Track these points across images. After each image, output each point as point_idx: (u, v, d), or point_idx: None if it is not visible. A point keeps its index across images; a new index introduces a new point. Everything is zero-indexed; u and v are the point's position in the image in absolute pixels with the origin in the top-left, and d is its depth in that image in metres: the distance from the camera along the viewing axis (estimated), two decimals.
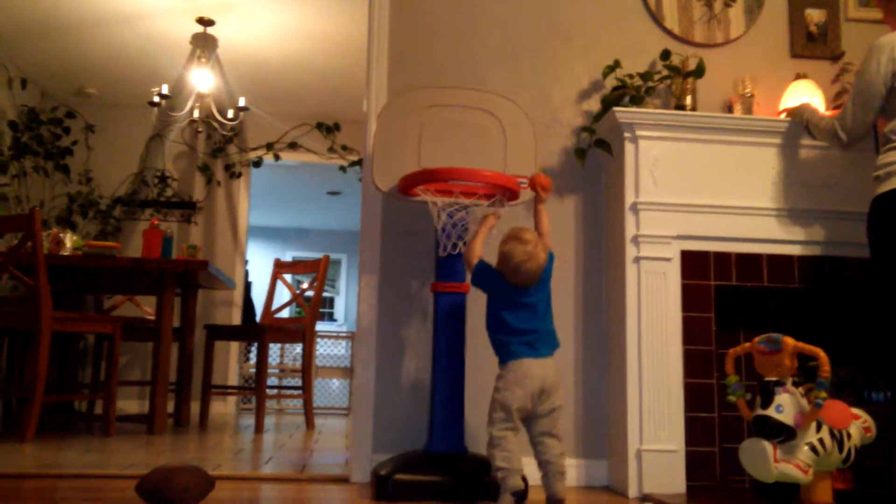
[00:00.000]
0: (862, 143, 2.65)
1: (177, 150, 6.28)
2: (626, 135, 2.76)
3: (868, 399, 2.78)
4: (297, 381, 6.40)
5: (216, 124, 5.42)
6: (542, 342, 2.31)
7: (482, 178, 2.47)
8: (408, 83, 2.92)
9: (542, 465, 2.25)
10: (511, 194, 2.56)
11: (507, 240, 2.31)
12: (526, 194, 2.62)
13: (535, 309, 2.34)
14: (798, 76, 2.96)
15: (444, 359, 2.56)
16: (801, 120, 2.74)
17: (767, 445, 2.06)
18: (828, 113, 2.70)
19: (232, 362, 6.13)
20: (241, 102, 5.21)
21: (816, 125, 2.66)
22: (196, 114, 5.22)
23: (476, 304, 2.70)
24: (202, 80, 5.12)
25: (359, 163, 6.16)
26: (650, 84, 2.87)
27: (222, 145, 6.28)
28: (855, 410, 2.23)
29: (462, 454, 2.50)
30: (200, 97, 5.18)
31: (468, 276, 2.41)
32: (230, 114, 5.35)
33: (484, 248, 2.44)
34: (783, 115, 2.82)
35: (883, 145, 2.45)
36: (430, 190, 2.53)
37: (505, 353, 2.30)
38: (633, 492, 2.59)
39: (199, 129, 5.44)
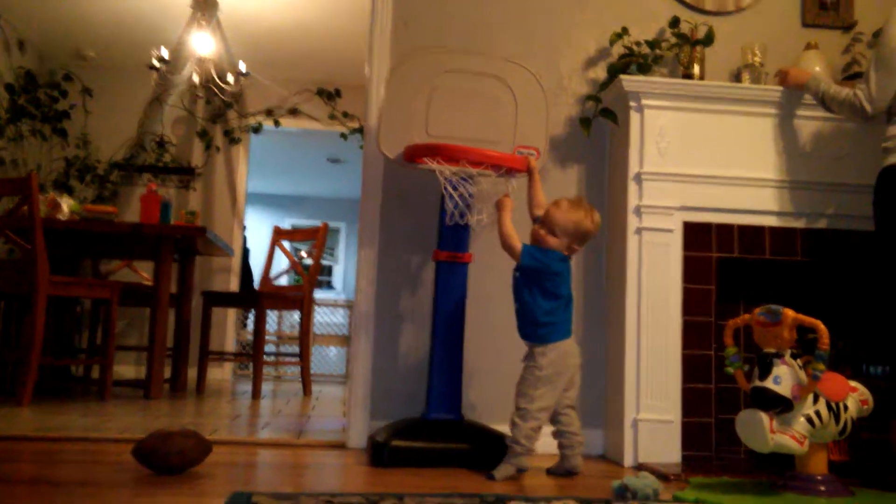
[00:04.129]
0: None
1: (175, 115, 6.21)
2: (632, 104, 2.73)
3: (866, 373, 2.77)
4: (295, 349, 6.41)
5: (216, 89, 5.35)
6: (569, 320, 2.40)
7: (490, 159, 2.45)
8: (412, 48, 2.87)
9: (564, 435, 2.35)
10: (518, 169, 2.53)
11: (578, 210, 2.32)
12: (535, 163, 2.59)
13: (570, 284, 2.40)
14: (809, 46, 2.91)
15: (444, 327, 2.55)
16: (815, 92, 2.63)
17: (764, 416, 2.05)
18: (841, 86, 2.61)
19: (229, 329, 6.13)
20: (242, 67, 5.15)
21: (834, 98, 2.55)
22: (196, 78, 5.15)
23: (477, 274, 2.69)
24: (202, 44, 5.05)
25: (360, 130, 6.10)
26: (658, 52, 2.83)
27: (222, 111, 6.21)
28: (852, 383, 2.22)
29: (459, 422, 2.51)
30: (200, 61, 5.11)
31: (516, 257, 2.35)
32: (230, 78, 5.29)
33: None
34: (792, 87, 2.74)
35: (892, 116, 2.42)
36: (436, 159, 2.49)
37: (551, 333, 2.32)
38: (628, 461, 2.60)
39: (199, 94, 5.38)
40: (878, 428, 2.53)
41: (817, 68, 2.85)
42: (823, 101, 2.61)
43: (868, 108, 2.44)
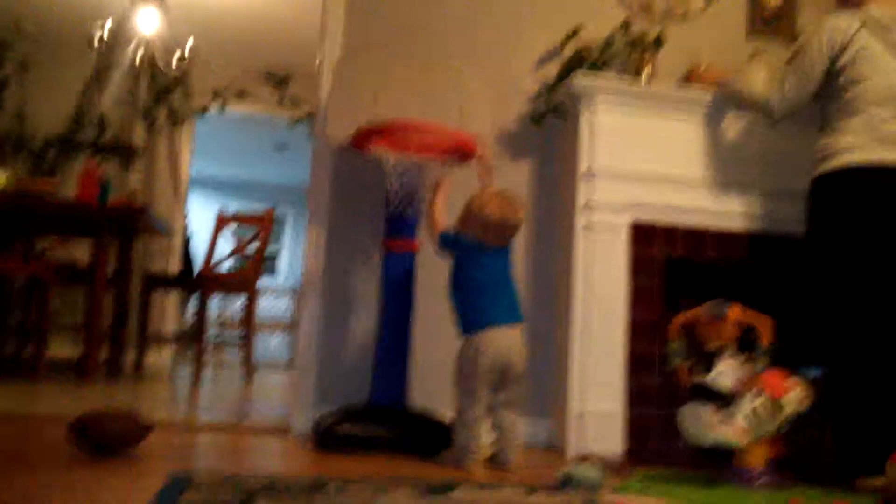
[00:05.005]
0: (800, 122, 2.68)
1: (117, 94, 6.01)
2: (583, 102, 2.75)
3: (801, 374, 2.86)
4: (237, 335, 6.30)
5: (161, 68, 5.20)
6: (511, 309, 2.33)
7: (440, 132, 2.43)
8: (364, 39, 2.85)
9: (499, 430, 2.30)
10: (465, 156, 2.53)
11: (489, 198, 2.32)
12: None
13: (505, 273, 2.35)
14: (755, 54, 2.98)
15: (391, 313, 2.54)
16: (729, 91, 2.69)
17: (705, 410, 2.10)
18: (757, 87, 2.63)
19: (170, 313, 5.98)
20: (188, 46, 5.01)
21: (748, 97, 2.60)
22: (139, 56, 5.00)
23: (426, 261, 2.68)
24: (147, 21, 4.90)
25: (309, 117, 6.02)
26: (609, 54, 2.87)
27: (166, 91, 6.03)
28: (792, 379, 2.29)
29: (402, 409, 2.50)
30: (144, 39, 4.95)
31: (434, 242, 2.37)
32: (176, 58, 5.14)
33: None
34: (709, 84, 2.80)
35: (824, 127, 2.49)
36: (384, 145, 2.47)
37: (473, 320, 2.28)
38: (571, 451, 2.63)
39: (141, 73, 5.21)
40: (812, 424, 2.62)
41: (762, 74, 2.92)
42: (738, 101, 2.68)
43: (775, 109, 2.50)
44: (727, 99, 2.74)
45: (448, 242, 2.37)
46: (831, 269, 2.38)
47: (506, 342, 2.26)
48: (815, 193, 2.46)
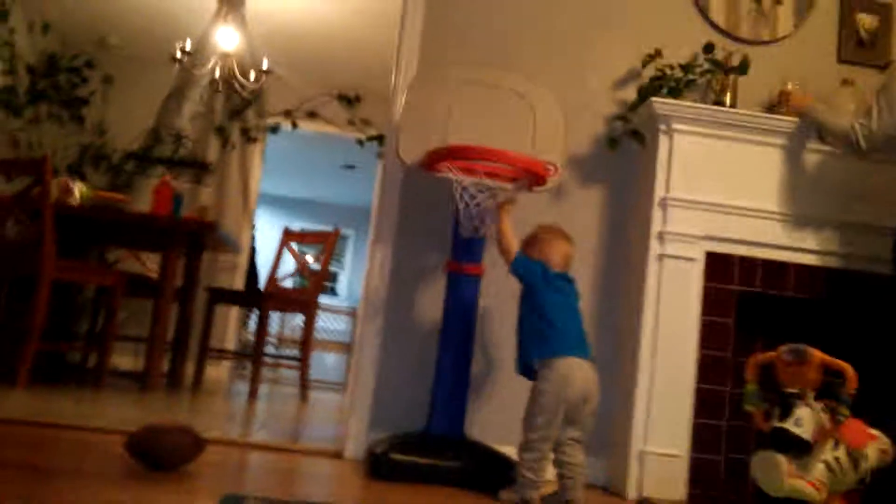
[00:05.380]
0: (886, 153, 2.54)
1: (194, 110, 6.18)
2: (662, 127, 2.67)
3: (882, 422, 2.69)
4: (294, 352, 6.33)
5: (237, 85, 5.31)
6: (584, 342, 2.24)
7: (511, 159, 2.38)
8: (440, 59, 2.83)
9: (566, 467, 2.18)
10: (536, 180, 2.47)
11: (552, 233, 2.31)
12: (551, 180, 2.53)
13: (575, 304, 2.29)
14: (844, 82, 2.85)
15: (453, 339, 2.48)
16: (812, 119, 2.58)
17: (782, 459, 1.97)
18: (843, 117, 2.52)
19: (231, 327, 6.06)
20: (264, 65, 5.11)
21: (832, 128, 2.50)
22: (217, 73, 5.12)
23: (490, 287, 2.62)
24: (226, 39, 5.02)
25: (377, 138, 6.05)
26: (690, 76, 2.77)
27: (241, 108, 6.17)
28: (873, 431, 2.14)
29: (461, 439, 2.43)
30: (223, 56, 5.07)
31: (509, 261, 2.30)
32: (252, 76, 5.25)
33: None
34: (792, 113, 2.69)
35: None
36: (455, 167, 2.44)
37: (549, 349, 2.18)
38: (631, 493, 2.52)
39: (220, 90, 5.33)
40: (887, 479, 2.45)
41: (851, 106, 2.79)
42: (820, 131, 2.57)
43: (864, 144, 2.39)
44: (810, 128, 2.62)
45: (527, 264, 2.28)
46: None
47: (589, 373, 2.17)
48: None
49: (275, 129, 6.25)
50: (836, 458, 2.02)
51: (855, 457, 2.04)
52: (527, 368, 2.25)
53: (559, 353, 2.15)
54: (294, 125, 6.27)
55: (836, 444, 2.03)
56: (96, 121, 6.03)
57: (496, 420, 2.69)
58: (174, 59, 5.03)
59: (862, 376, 2.12)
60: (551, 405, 2.11)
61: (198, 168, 6.10)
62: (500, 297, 2.69)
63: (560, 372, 2.12)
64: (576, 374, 2.13)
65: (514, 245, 2.30)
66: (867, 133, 2.36)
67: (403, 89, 2.77)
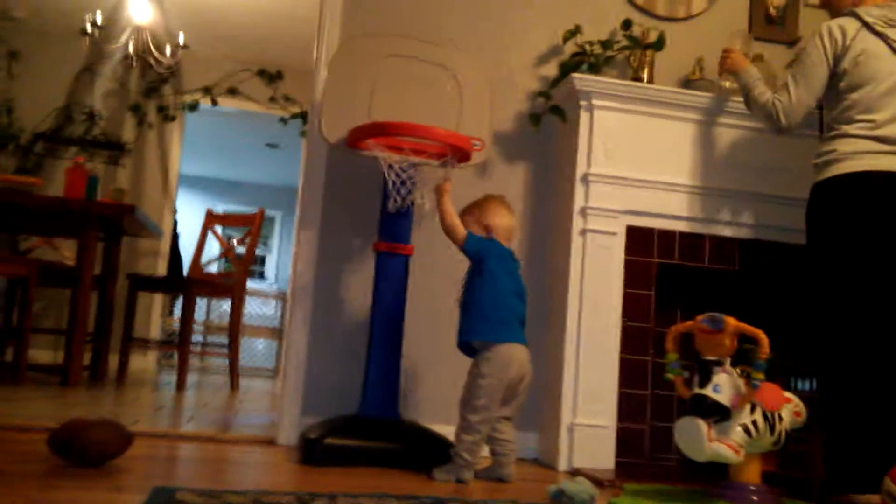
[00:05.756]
0: (804, 129, 2.63)
1: (107, 87, 5.92)
2: (583, 103, 2.71)
3: (794, 386, 2.83)
4: (223, 340, 6.22)
5: (152, 61, 5.12)
6: (524, 326, 2.31)
7: (436, 135, 2.38)
8: (363, 31, 2.79)
9: (498, 443, 2.25)
10: (463, 155, 2.47)
11: (497, 202, 2.35)
12: (478, 156, 2.55)
13: (522, 287, 2.34)
14: (755, 58, 2.94)
15: (383, 321, 2.48)
16: (744, 84, 2.55)
17: (703, 424, 2.05)
18: (767, 92, 2.51)
19: (155, 315, 5.91)
20: (181, 39, 4.93)
21: (756, 99, 2.48)
22: (131, 48, 4.92)
23: (420, 268, 2.62)
24: (139, 12, 4.82)
25: (301, 115, 5.95)
26: (609, 53, 2.82)
27: (157, 85, 5.95)
28: (787, 394, 2.25)
29: (395, 421, 2.44)
30: (137, 30, 4.87)
31: (459, 242, 2.30)
32: (168, 51, 5.07)
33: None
34: (727, 71, 2.65)
35: (825, 133, 2.44)
36: (381, 145, 2.42)
37: (494, 334, 2.22)
38: (562, 465, 2.58)
39: (133, 65, 5.13)
40: (803, 440, 2.59)
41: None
42: (746, 98, 2.54)
43: (783, 120, 2.40)
44: (740, 89, 2.59)
45: (479, 242, 2.29)
46: (830, 277, 2.34)
47: (525, 356, 2.26)
48: (812, 201, 2.42)
49: (193, 107, 6.06)
50: (754, 422, 2.11)
51: (771, 419, 2.15)
52: (467, 346, 2.29)
53: (503, 338, 2.21)
54: (214, 102, 6.10)
55: (753, 408, 2.12)
56: (2, 99, 5.71)
57: (430, 400, 2.72)
58: (84, 32, 4.80)
59: (776, 342, 2.23)
60: (493, 389, 2.17)
61: (113, 148, 5.87)
62: (431, 275, 2.70)
63: (503, 358, 2.19)
64: (515, 358, 2.21)
65: (459, 223, 2.31)
66: (786, 107, 2.39)
67: (324, 64, 2.72)
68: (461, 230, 2.29)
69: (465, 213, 2.37)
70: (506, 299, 2.26)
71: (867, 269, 2.28)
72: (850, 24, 2.33)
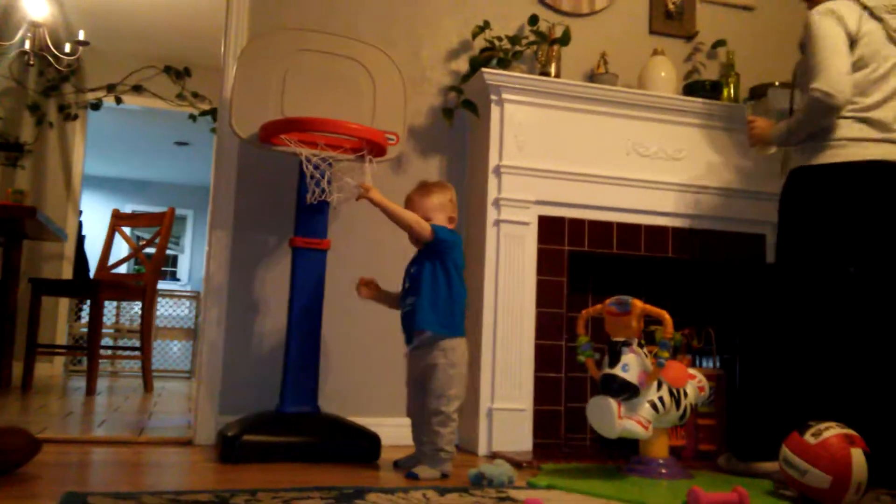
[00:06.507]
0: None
1: (3, 86, 5.64)
2: (493, 97, 2.77)
3: (699, 364, 2.97)
4: (135, 343, 6.03)
5: (51, 58, 4.91)
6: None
7: (349, 130, 2.38)
8: (271, 26, 2.76)
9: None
10: (378, 150, 2.49)
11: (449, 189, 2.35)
12: (393, 150, 2.57)
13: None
14: (655, 52, 3.07)
15: (300, 316, 2.47)
16: (780, 138, 2.44)
17: (613, 402, 2.14)
18: (795, 101, 2.41)
19: (61, 321, 5.67)
20: (81, 35, 4.75)
21: (800, 122, 2.34)
22: (27, 45, 4.70)
23: (335, 262, 2.62)
24: (35, 7, 4.62)
25: (211, 112, 5.82)
26: (518, 48, 2.88)
27: (56, 83, 5.71)
28: (691, 371, 2.37)
29: (315, 415, 2.44)
30: (33, 26, 4.66)
31: (424, 236, 2.22)
32: (67, 48, 4.87)
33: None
34: (758, 144, 2.57)
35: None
36: (294, 140, 2.41)
37: (457, 328, 2.24)
38: (482, 450, 2.64)
39: (31, 62, 4.91)
40: (711, 414, 2.73)
41: (662, 73, 3.01)
42: (796, 136, 2.38)
43: (834, 98, 2.22)
44: (788, 141, 2.43)
45: (452, 234, 2.26)
46: (801, 263, 2.35)
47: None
48: (787, 186, 2.42)
49: (96, 106, 5.84)
50: (661, 398, 2.21)
51: (676, 395, 2.25)
52: (419, 333, 2.23)
53: (462, 333, 2.25)
54: (118, 100, 5.89)
55: (660, 385, 2.23)
56: None
57: (350, 392, 2.73)
58: None
59: (678, 323, 2.34)
60: (462, 378, 2.22)
61: (10, 149, 5.59)
62: (347, 269, 2.70)
63: (464, 349, 2.24)
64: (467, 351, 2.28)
65: (414, 214, 2.23)
66: (828, 87, 2.23)
67: (233, 58, 2.69)
68: (423, 223, 2.22)
69: (409, 203, 2.31)
70: (463, 293, 2.27)
71: (843, 257, 2.32)
72: (853, 8, 2.31)
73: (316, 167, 2.40)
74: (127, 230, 5.00)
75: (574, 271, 2.88)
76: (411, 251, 2.34)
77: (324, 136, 2.42)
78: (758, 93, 3.09)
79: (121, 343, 6.51)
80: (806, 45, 2.35)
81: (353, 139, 2.43)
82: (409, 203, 2.31)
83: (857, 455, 1.85)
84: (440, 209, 2.29)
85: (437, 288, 2.22)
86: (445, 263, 2.23)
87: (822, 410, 2.17)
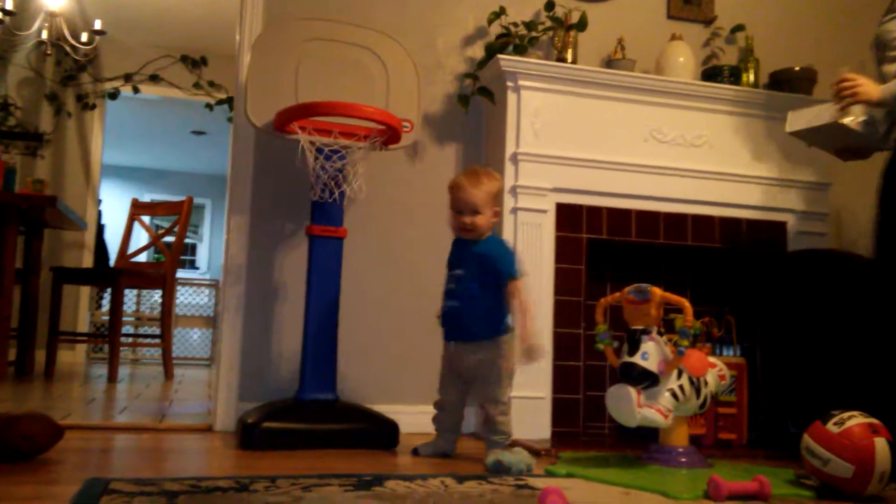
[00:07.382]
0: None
1: (22, 76, 5.68)
2: (509, 84, 2.75)
3: (719, 353, 2.95)
4: (155, 330, 6.09)
5: (68, 48, 4.93)
6: None
7: (365, 113, 2.37)
8: (285, 14, 2.76)
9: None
10: (392, 135, 2.48)
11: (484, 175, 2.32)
12: (408, 138, 2.56)
13: None
14: (673, 37, 3.03)
15: (318, 304, 2.48)
16: (890, 100, 2.18)
17: (632, 391, 2.13)
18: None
19: (82, 309, 5.74)
20: (97, 25, 4.77)
21: None
22: (45, 35, 4.73)
23: (352, 250, 2.63)
24: None
25: (227, 101, 5.83)
26: (534, 34, 2.86)
27: (74, 73, 5.74)
28: (711, 359, 2.35)
29: (334, 402, 2.45)
30: (50, 16, 4.69)
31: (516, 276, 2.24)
32: (84, 37, 4.89)
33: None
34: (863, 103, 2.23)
35: None
36: (308, 128, 2.40)
37: (505, 326, 2.26)
38: None
39: (48, 52, 4.93)
40: (731, 403, 2.71)
41: (681, 59, 2.98)
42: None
43: None
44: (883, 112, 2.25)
45: (516, 260, 2.30)
46: None
47: None
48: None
49: (114, 95, 5.88)
50: (681, 386, 2.20)
51: (696, 384, 2.24)
52: (478, 334, 2.26)
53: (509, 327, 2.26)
54: (136, 90, 5.92)
55: (680, 374, 2.21)
56: None
57: (369, 380, 2.74)
58: None
59: (698, 311, 2.32)
60: (511, 370, 2.25)
61: (30, 139, 5.64)
62: (364, 257, 2.71)
63: (512, 340, 2.23)
64: None
65: (528, 313, 2.19)
66: None
67: (248, 47, 2.68)
68: (529, 306, 2.20)
69: (485, 206, 2.26)
70: None
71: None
72: None
73: (327, 158, 2.39)
74: (146, 219, 5.03)
75: (592, 259, 2.87)
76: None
77: (338, 123, 2.42)
78: (777, 77, 3.05)
79: (141, 331, 6.58)
80: None
81: (369, 123, 2.42)
82: (459, 189, 2.26)
83: (881, 444, 1.83)
84: (489, 203, 2.25)
85: (487, 297, 2.24)
86: (498, 275, 2.24)
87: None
